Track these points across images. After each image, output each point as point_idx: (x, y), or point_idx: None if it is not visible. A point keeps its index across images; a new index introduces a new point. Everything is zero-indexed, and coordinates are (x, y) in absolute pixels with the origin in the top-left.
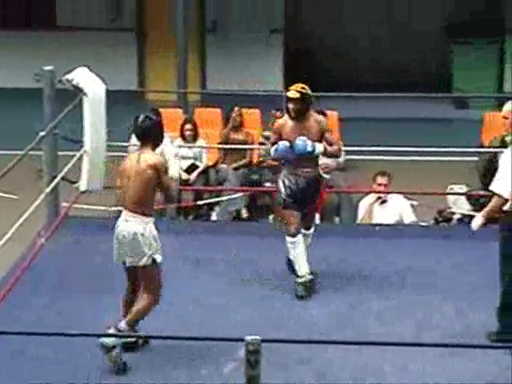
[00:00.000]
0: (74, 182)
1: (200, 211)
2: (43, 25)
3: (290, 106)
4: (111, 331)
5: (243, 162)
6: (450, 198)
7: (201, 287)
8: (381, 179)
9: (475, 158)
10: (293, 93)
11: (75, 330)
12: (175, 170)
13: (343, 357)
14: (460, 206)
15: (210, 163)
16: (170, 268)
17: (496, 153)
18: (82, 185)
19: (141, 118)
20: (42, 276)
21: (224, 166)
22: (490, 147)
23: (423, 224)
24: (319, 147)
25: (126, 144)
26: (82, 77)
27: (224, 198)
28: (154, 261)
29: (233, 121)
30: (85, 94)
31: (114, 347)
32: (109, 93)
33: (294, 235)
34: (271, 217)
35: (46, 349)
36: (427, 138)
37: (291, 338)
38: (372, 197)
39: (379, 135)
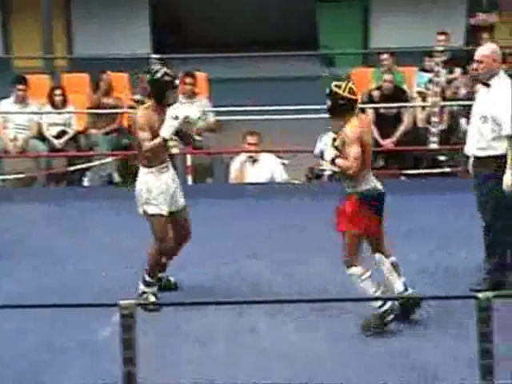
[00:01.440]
0: None
1: (71, 177)
2: None
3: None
4: (140, 283)
5: (113, 126)
6: None
7: (77, 253)
8: (251, 139)
9: None
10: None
11: None
12: (166, 130)
13: (220, 317)
14: None
15: (80, 129)
16: (44, 235)
17: (363, 108)
18: None
19: (153, 68)
20: None
21: (94, 131)
22: None
23: (295, 182)
24: (329, 155)
25: None
26: None
27: (95, 163)
28: (145, 212)
29: (104, 85)
30: None
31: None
32: None
33: None
34: None
35: None
36: (296, 97)
37: (166, 301)
38: (243, 156)
39: (248, 95)
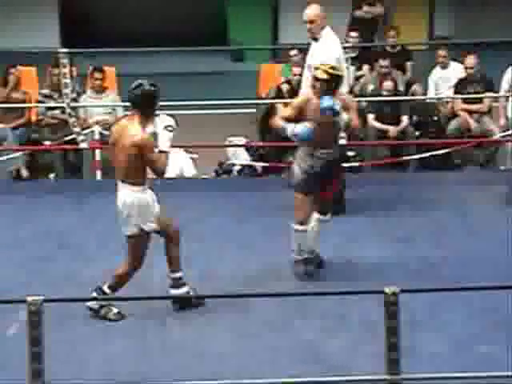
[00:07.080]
0: None
1: None
2: None
3: (317, 85)
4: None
5: (22, 120)
6: (230, 150)
7: None
8: None
9: (253, 110)
10: (320, 73)
11: None
12: (164, 142)
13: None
14: (239, 157)
15: None
16: None
17: (272, 103)
18: None
19: (133, 85)
20: None
21: (2, 125)
22: (266, 98)
23: (204, 177)
24: (344, 116)
25: None
26: None
27: (3, 158)
28: (141, 230)
29: (13, 80)
30: None
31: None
32: None
33: (302, 223)
34: (52, 175)
35: None
36: (206, 92)
37: (73, 296)
38: None
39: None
